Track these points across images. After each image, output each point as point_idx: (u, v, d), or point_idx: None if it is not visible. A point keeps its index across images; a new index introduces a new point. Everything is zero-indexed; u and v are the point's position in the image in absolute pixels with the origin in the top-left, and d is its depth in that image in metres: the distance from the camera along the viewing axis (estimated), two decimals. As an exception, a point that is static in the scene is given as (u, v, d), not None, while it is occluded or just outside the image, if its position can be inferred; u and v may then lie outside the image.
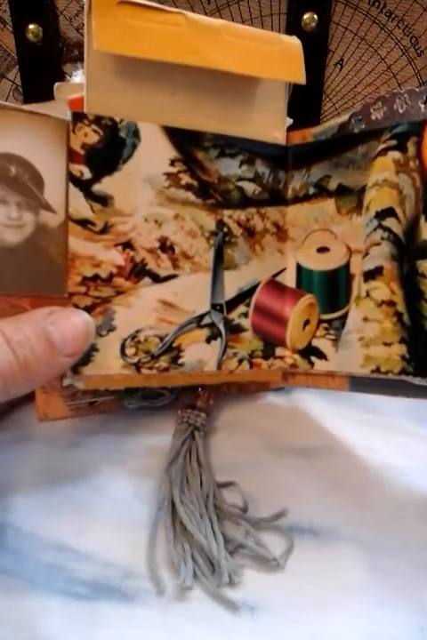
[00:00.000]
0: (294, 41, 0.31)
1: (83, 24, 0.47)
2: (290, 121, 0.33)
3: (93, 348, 0.28)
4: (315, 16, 0.45)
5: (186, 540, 0.27)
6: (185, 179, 0.30)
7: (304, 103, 0.46)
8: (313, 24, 0.45)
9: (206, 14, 0.30)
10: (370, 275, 0.30)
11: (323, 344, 0.32)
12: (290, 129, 0.33)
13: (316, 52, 0.47)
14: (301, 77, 0.31)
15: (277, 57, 0.30)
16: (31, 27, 0.47)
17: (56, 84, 0.32)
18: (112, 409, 0.35)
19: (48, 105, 0.28)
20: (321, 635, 0.23)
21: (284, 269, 0.33)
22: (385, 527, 0.28)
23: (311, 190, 0.32)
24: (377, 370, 0.30)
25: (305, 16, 0.45)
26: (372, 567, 0.26)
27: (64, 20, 0.48)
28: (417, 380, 0.29)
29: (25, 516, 0.28)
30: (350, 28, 0.47)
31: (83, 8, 0.46)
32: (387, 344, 0.30)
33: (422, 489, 0.30)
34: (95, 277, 0.28)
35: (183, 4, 0.29)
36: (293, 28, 0.46)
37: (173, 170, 0.29)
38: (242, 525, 0.27)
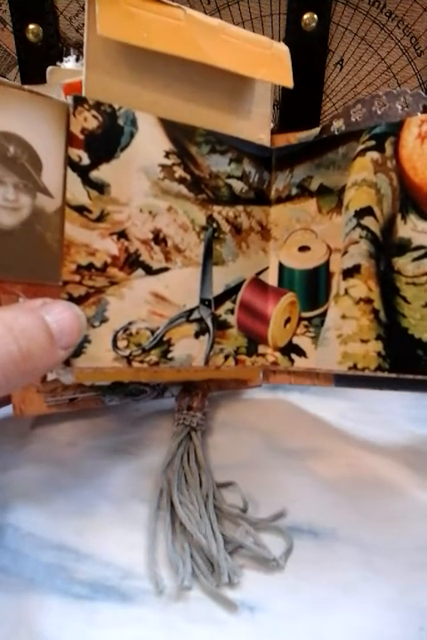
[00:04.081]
0: (283, 47, 0.31)
1: (83, 24, 0.46)
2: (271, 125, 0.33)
3: (86, 340, 0.26)
4: (315, 16, 0.45)
5: (185, 539, 0.26)
6: (179, 172, 0.29)
7: (304, 103, 0.46)
8: (313, 24, 0.45)
9: (206, 14, 0.29)
10: (348, 273, 0.30)
11: (303, 341, 0.32)
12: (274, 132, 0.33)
13: (316, 52, 0.46)
14: (289, 81, 0.31)
15: (269, 60, 0.30)
16: (31, 27, 0.46)
17: (49, 68, 0.31)
18: (92, 406, 0.33)
19: (40, 88, 0.26)
20: (320, 635, 0.23)
21: (266, 268, 0.33)
22: (384, 528, 0.27)
23: (294, 191, 0.32)
24: (354, 367, 0.30)
25: (305, 16, 0.45)
26: (371, 567, 0.25)
27: (64, 20, 0.47)
28: (393, 376, 0.29)
29: (24, 515, 0.27)
30: (350, 28, 0.46)
31: (83, 8, 0.45)
32: (364, 341, 0.30)
33: (421, 489, 0.30)
34: (90, 266, 0.26)
35: (183, 3, 0.28)
36: (293, 28, 0.45)
37: (168, 162, 0.28)
38: (241, 525, 0.27)
